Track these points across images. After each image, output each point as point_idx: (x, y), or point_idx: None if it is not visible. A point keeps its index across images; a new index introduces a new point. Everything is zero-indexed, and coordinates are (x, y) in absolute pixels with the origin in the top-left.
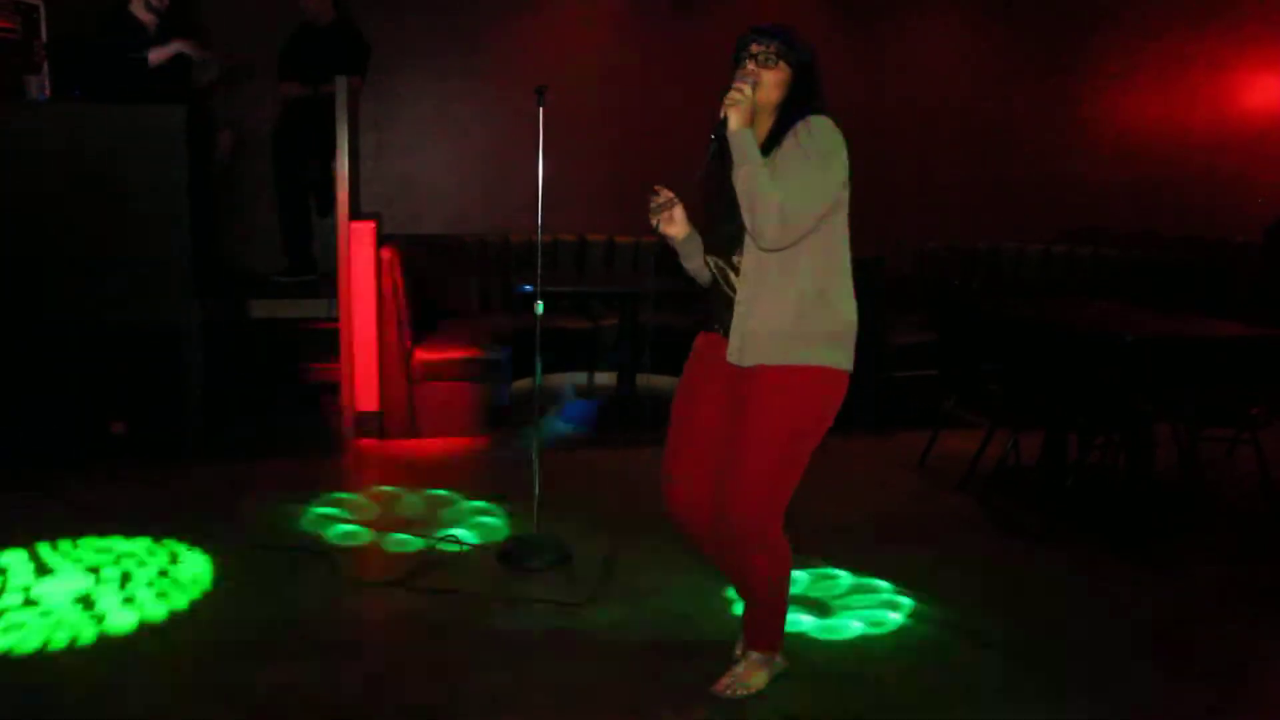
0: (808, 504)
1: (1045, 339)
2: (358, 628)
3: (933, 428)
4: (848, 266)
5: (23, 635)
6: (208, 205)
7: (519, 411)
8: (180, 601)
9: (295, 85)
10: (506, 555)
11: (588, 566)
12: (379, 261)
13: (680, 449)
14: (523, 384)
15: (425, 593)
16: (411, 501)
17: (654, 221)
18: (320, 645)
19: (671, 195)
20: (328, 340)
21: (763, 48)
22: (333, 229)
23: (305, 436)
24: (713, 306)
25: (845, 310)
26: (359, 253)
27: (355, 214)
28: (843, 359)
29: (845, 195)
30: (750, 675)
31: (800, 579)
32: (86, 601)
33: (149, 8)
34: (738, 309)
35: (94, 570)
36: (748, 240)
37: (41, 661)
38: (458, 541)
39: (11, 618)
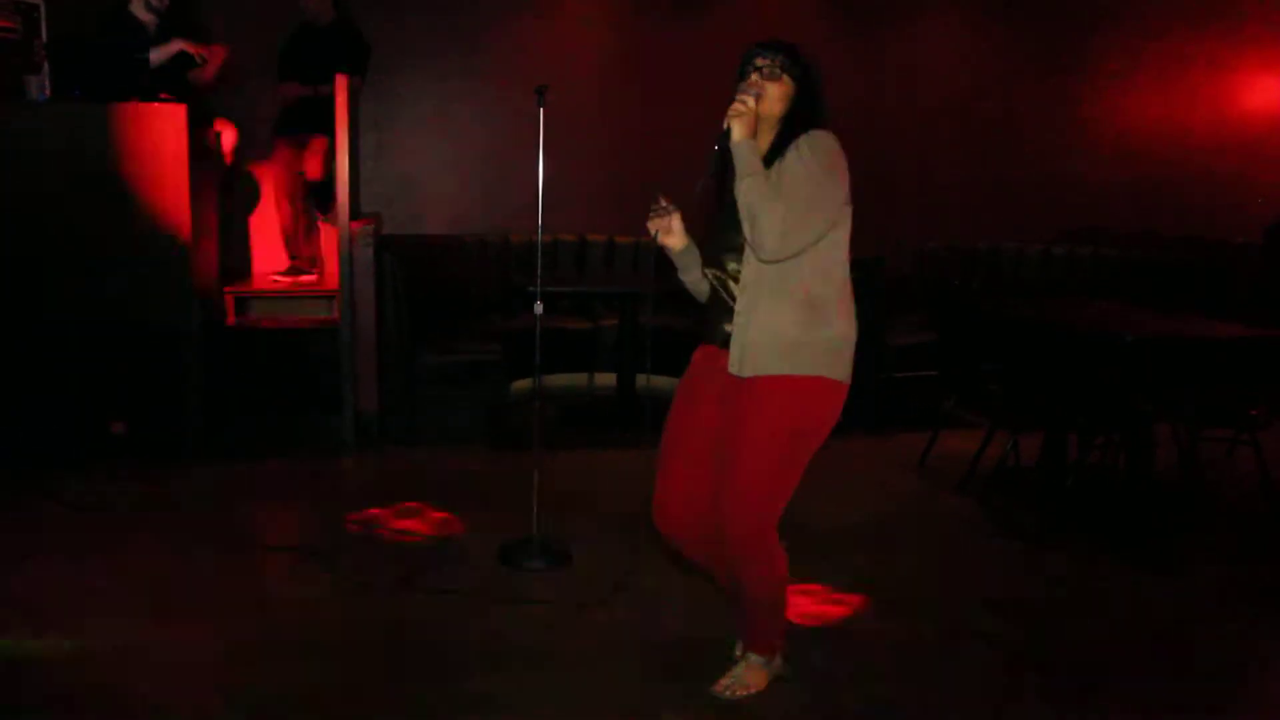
0: (807, 504)
1: (1045, 339)
2: (357, 628)
3: (933, 428)
4: (847, 282)
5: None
6: (208, 205)
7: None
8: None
9: (295, 85)
10: (506, 555)
11: (587, 567)
12: (379, 261)
13: (672, 470)
14: (522, 384)
15: (425, 593)
16: (411, 501)
17: (652, 231)
18: (320, 645)
19: (670, 205)
20: (328, 340)
21: (767, 61)
22: (333, 229)
23: (305, 437)
24: (711, 319)
25: (843, 324)
26: (359, 253)
27: (355, 214)
28: (841, 371)
29: (848, 212)
30: (749, 676)
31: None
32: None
33: (149, 8)
34: (737, 320)
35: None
36: (747, 251)
37: (41, 661)
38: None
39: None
